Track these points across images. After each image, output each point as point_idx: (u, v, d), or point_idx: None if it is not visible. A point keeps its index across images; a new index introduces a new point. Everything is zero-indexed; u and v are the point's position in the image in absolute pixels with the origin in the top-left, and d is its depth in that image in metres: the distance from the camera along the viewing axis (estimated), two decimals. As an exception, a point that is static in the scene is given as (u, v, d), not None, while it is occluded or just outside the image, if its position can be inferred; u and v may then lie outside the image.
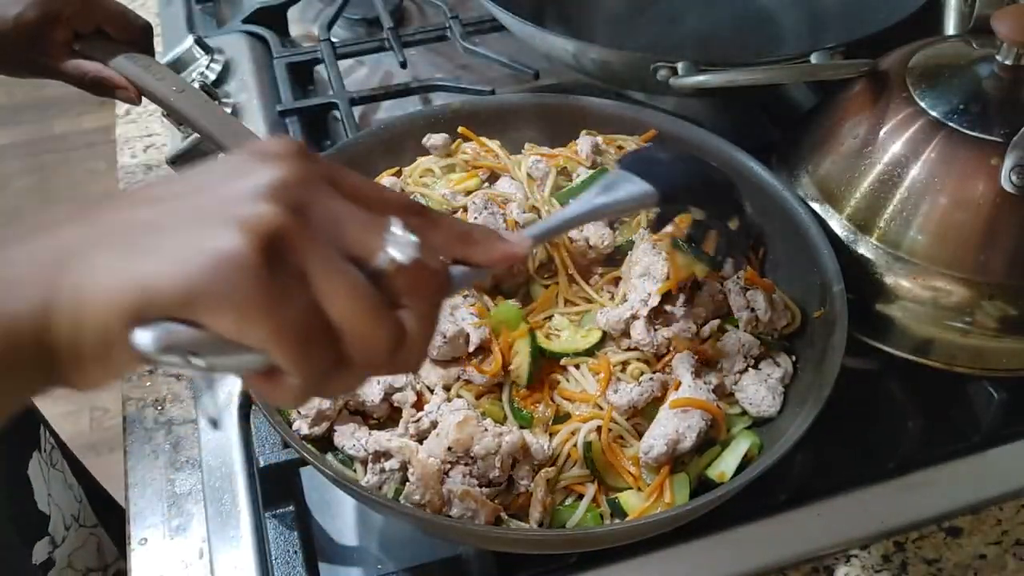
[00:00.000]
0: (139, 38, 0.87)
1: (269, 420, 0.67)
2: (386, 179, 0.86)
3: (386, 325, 0.42)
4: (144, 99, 0.86)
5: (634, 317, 0.75)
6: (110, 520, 1.05)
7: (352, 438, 0.70)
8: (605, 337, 0.76)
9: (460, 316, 0.74)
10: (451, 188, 0.85)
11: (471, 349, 0.73)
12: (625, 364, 0.75)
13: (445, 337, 0.71)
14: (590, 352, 0.75)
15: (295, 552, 0.72)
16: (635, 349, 0.75)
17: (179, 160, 0.92)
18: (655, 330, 0.75)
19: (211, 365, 0.40)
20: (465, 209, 0.82)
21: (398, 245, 0.42)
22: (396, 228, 0.43)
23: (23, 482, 0.92)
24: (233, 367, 0.41)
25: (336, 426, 0.71)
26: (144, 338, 0.38)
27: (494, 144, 0.89)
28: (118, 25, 0.85)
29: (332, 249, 0.41)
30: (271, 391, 0.43)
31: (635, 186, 0.64)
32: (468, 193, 0.85)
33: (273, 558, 0.72)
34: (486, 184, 0.87)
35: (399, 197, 0.48)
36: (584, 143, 0.88)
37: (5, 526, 0.88)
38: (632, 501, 0.69)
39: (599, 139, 0.89)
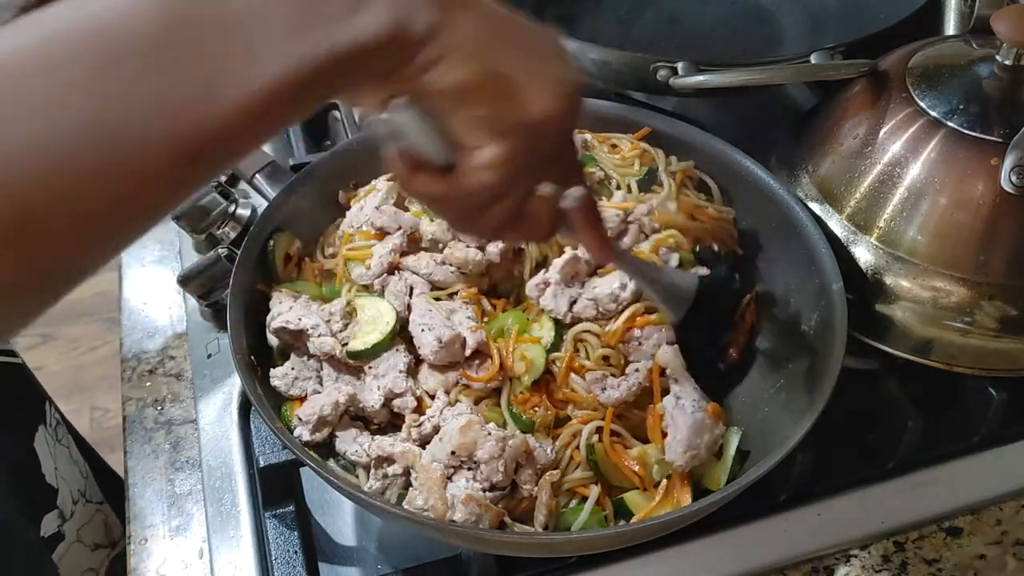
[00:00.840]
0: None
1: (272, 429, 0.67)
2: (382, 184, 0.85)
3: (511, 221, 0.55)
4: None
5: (545, 284, 0.76)
6: (115, 497, 1.05)
7: (354, 443, 0.70)
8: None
9: (457, 320, 0.74)
10: None
11: (468, 353, 0.73)
12: (580, 341, 0.75)
13: (441, 341, 0.71)
14: (555, 346, 0.75)
15: (295, 552, 0.72)
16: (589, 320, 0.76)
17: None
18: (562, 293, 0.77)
19: (420, 123, 0.51)
20: None
21: (570, 197, 0.56)
22: (578, 190, 0.57)
23: (30, 455, 0.92)
24: (427, 140, 0.51)
25: (337, 432, 0.71)
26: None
27: None
28: None
29: (552, 166, 0.55)
30: (410, 175, 0.54)
31: (685, 278, 0.75)
32: None
33: (273, 558, 0.72)
34: None
35: (583, 171, 0.64)
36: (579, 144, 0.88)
37: (7, 501, 0.88)
38: (637, 501, 0.69)
39: (588, 136, 0.89)
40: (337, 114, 1.07)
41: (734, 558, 0.73)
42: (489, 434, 0.67)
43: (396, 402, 0.72)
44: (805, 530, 0.75)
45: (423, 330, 0.72)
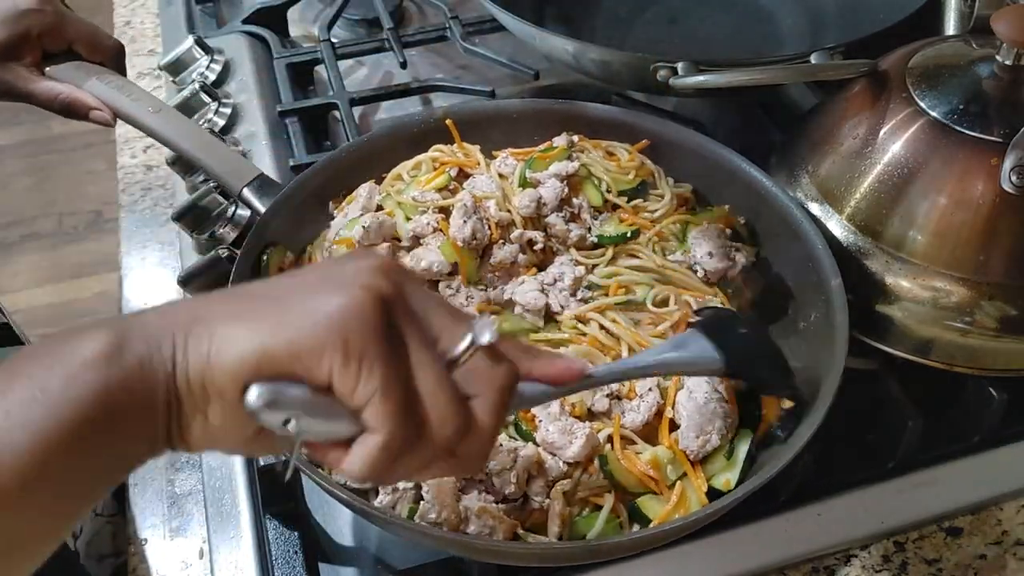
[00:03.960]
0: (111, 58, 0.85)
1: (303, 469, 0.65)
2: (364, 187, 0.85)
3: (462, 408, 0.47)
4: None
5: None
6: (129, 512, 1.04)
7: None
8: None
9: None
10: (421, 188, 0.84)
11: None
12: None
13: None
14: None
15: (295, 552, 0.72)
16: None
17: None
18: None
19: (306, 428, 0.44)
20: (443, 210, 0.81)
21: (483, 328, 0.47)
22: (481, 321, 0.47)
23: None
24: (323, 433, 0.45)
25: None
26: (253, 393, 0.43)
27: (473, 148, 0.89)
28: (89, 45, 0.83)
29: (424, 329, 0.47)
30: (343, 460, 0.46)
31: (705, 351, 0.65)
32: (440, 190, 0.84)
33: (273, 558, 0.72)
34: (455, 183, 0.86)
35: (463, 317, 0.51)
36: (560, 140, 0.88)
37: None
38: (651, 505, 0.68)
39: (575, 138, 0.89)
40: (337, 114, 1.07)
41: (734, 558, 0.73)
42: (500, 445, 0.67)
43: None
44: (805, 530, 0.75)
45: None
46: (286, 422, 0.44)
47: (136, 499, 0.78)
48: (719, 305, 0.79)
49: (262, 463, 0.74)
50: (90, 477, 0.43)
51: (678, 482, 0.69)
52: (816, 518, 0.75)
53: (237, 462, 0.79)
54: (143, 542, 0.76)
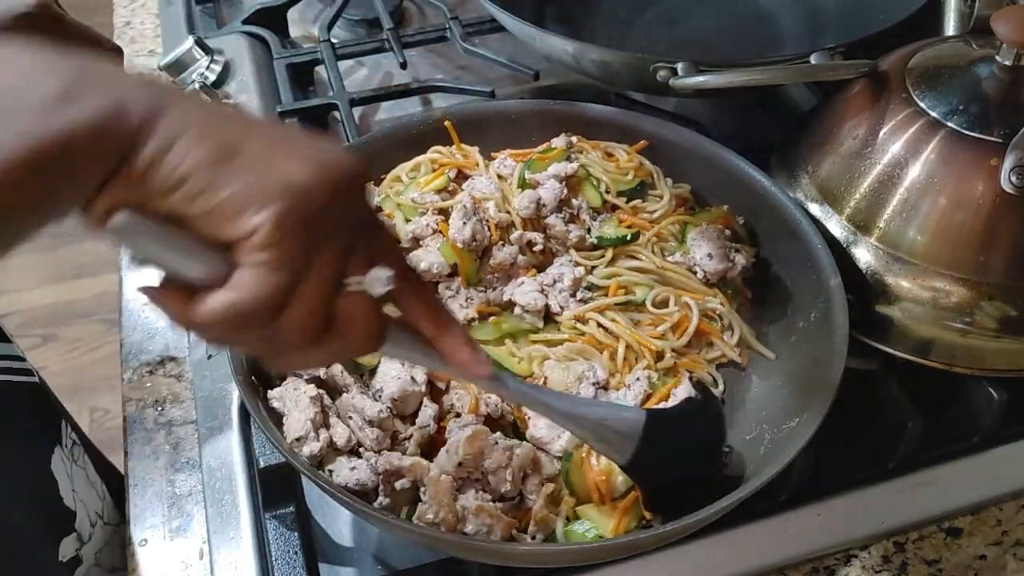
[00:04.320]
0: None
1: (281, 452, 0.66)
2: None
3: (316, 333, 0.47)
4: None
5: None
6: None
7: (352, 471, 0.68)
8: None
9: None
10: (420, 190, 0.84)
11: None
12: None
13: (394, 399, 0.70)
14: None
15: (295, 553, 0.72)
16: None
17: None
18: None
19: (164, 256, 0.44)
20: (442, 212, 0.81)
21: (376, 281, 0.47)
22: (383, 271, 0.47)
23: (48, 477, 0.91)
24: (182, 267, 0.44)
25: (330, 467, 0.69)
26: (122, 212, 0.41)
27: (472, 150, 0.89)
28: (87, 48, 0.83)
29: (346, 240, 0.46)
30: (189, 303, 0.45)
31: (623, 437, 0.63)
32: (439, 192, 0.84)
33: (273, 559, 0.72)
34: (454, 185, 0.86)
35: (401, 251, 0.52)
36: (559, 141, 0.88)
37: (32, 523, 0.88)
38: (592, 515, 0.68)
39: (574, 138, 0.89)
40: (337, 115, 1.07)
41: (734, 558, 0.73)
42: (496, 443, 0.67)
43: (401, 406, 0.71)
44: (805, 530, 0.75)
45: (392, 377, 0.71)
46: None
47: (136, 500, 0.78)
48: (704, 399, 0.72)
49: (263, 464, 0.74)
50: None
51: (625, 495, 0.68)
52: (816, 518, 0.75)
53: (237, 463, 0.79)
54: (143, 543, 0.76)
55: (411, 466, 0.67)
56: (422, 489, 0.67)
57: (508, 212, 0.82)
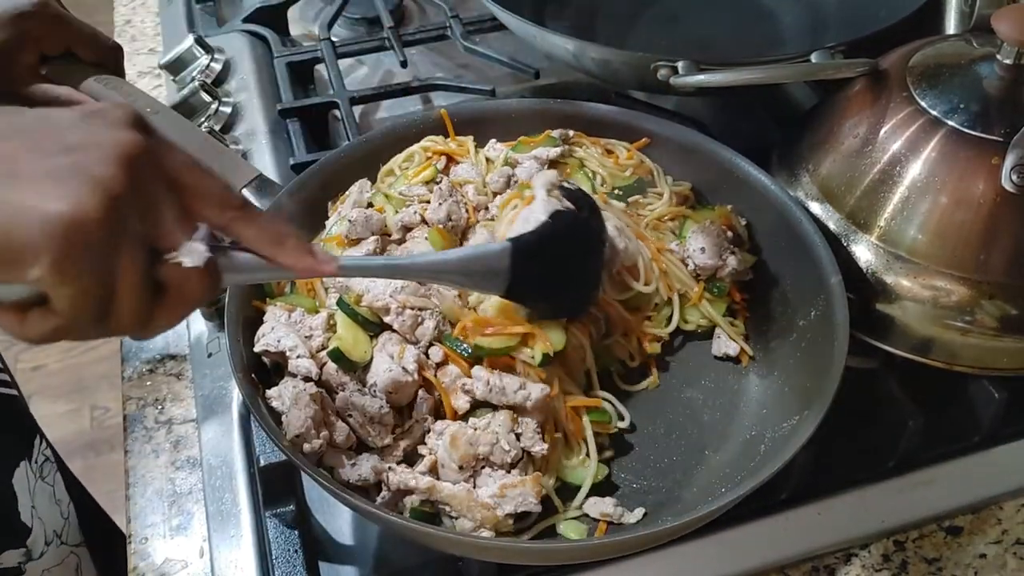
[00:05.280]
0: (110, 60, 0.85)
1: (281, 449, 0.66)
2: (356, 184, 0.85)
3: (145, 313, 0.48)
4: None
5: None
6: (96, 542, 1.02)
7: (354, 469, 0.69)
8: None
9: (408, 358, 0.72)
10: (408, 182, 0.85)
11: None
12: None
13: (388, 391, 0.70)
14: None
15: (295, 551, 0.72)
16: None
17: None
18: None
19: None
20: (428, 203, 0.81)
21: (191, 253, 0.48)
22: (198, 235, 0.48)
23: (6, 489, 0.89)
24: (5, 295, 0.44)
25: (332, 464, 0.69)
26: None
27: (467, 139, 0.89)
28: (88, 47, 0.82)
29: (144, 228, 0.46)
30: (23, 324, 0.46)
31: (490, 248, 0.67)
32: (427, 183, 0.84)
33: (273, 557, 0.72)
34: (441, 174, 0.86)
35: (219, 190, 0.51)
36: (557, 133, 0.89)
37: None
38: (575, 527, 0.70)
39: (571, 132, 0.90)
40: (337, 113, 1.07)
41: (734, 558, 0.73)
42: (475, 430, 0.68)
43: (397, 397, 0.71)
44: (805, 529, 0.75)
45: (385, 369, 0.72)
46: None
47: (136, 498, 0.78)
48: (572, 208, 0.75)
49: (263, 463, 0.74)
50: None
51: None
52: (816, 517, 0.75)
53: (237, 461, 0.79)
54: (143, 541, 0.76)
55: (426, 488, 0.67)
56: (446, 508, 0.68)
57: (486, 195, 0.83)
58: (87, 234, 0.42)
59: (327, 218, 0.85)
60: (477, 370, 0.71)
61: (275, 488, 0.75)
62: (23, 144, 0.44)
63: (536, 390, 0.69)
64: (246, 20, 1.22)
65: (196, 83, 1.08)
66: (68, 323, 0.45)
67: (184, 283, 0.49)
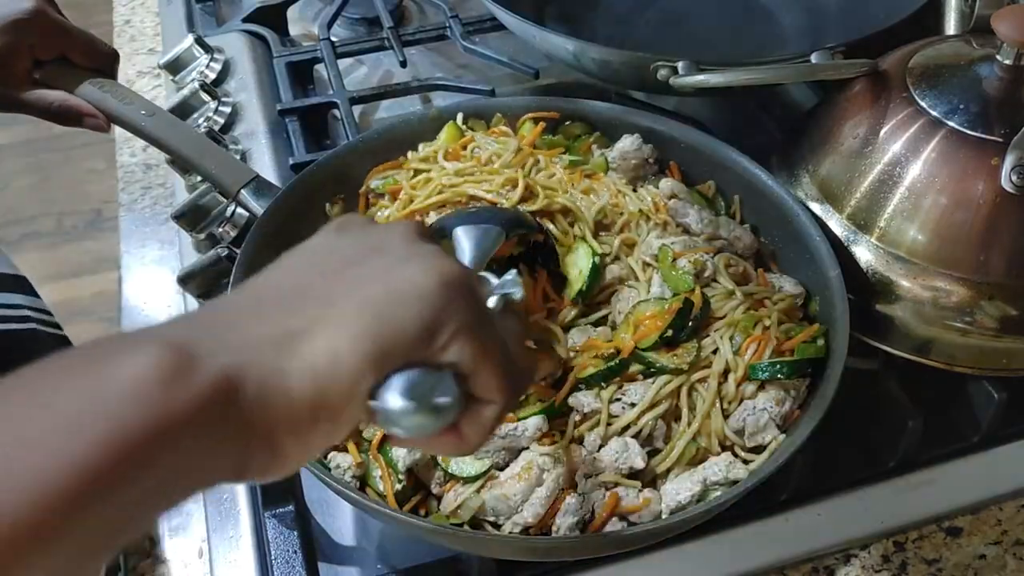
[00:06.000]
0: (107, 65, 0.85)
1: (315, 474, 0.65)
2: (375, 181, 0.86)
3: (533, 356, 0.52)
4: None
5: None
6: None
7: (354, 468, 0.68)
8: None
9: None
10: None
11: None
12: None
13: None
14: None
15: (295, 552, 0.72)
16: None
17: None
18: None
19: (438, 405, 0.44)
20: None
21: (512, 285, 0.49)
22: (493, 277, 0.50)
23: None
24: (448, 410, 0.44)
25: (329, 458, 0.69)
26: (396, 398, 0.42)
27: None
28: (84, 54, 0.82)
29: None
30: (479, 425, 0.46)
31: (482, 230, 0.66)
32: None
33: (273, 558, 0.72)
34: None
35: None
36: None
37: None
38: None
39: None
40: (337, 113, 1.07)
41: (734, 558, 0.73)
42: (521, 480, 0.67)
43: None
44: (805, 530, 0.75)
45: None
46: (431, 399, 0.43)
47: (135, 498, 0.78)
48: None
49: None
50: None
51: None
52: (816, 518, 0.75)
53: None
54: (142, 541, 0.76)
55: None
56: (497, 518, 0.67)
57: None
58: (458, 291, 0.43)
59: (327, 218, 0.85)
60: None
61: (274, 488, 0.75)
62: (328, 270, 0.44)
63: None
64: (246, 20, 1.22)
65: (195, 83, 1.07)
66: (503, 403, 0.46)
67: (510, 323, 0.49)
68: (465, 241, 0.64)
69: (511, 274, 0.50)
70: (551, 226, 0.79)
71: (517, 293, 0.49)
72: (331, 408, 0.40)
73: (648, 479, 0.68)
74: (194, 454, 0.37)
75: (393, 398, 0.42)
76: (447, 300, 0.43)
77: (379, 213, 0.83)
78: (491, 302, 0.48)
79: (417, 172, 0.86)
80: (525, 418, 0.68)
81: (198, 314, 0.43)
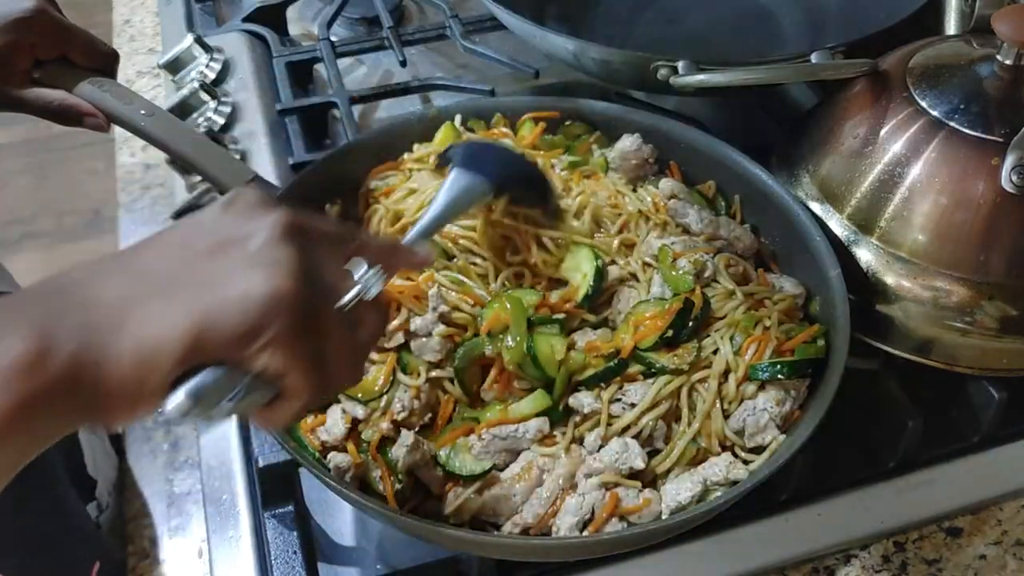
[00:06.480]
0: (106, 66, 0.85)
1: (306, 464, 0.67)
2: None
3: (361, 360, 0.55)
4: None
5: None
6: None
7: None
8: None
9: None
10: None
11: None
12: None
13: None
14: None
15: (294, 552, 0.72)
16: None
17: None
18: None
19: (235, 409, 0.47)
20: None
21: (372, 281, 0.52)
22: (360, 268, 0.52)
23: (75, 444, 0.91)
24: (253, 404, 0.48)
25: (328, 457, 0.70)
26: (180, 400, 0.45)
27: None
28: (84, 53, 0.82)
29: (329, 290, 0.50)
30: (273, 416, 0.50)
31: (471, 181, 0.71)
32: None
33: (272, 558, 0.72)
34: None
35: (350, 234, 0.55)
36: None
37: (68, 488, 0.88)
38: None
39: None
40: (336, 113, 1.07)
41: (734, 558, 0.73)
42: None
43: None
44: (805, 530, 0.75)
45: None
46: (221, 401, 0.46)
47: (135, 499, 0.78)
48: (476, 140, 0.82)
49: (262, 463, 0.74)
50: None
51: None
52: (816, 518, 0.75)
53: (236, 462, 0.79)
54: (142, 542, 0.76)
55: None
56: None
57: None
58: (292, 305, 0.46)
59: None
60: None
61: (274, 489, 0.75)
62: (188, 255, 0.48)
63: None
64: (245, 20, 1.22)
65: (195, 83, 1.07)
66: (306, 399, 0.49)
67: (367, 317, 0.53)
68: (447, 190, 0.69)
69: (374, 270, 0.52)
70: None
71: (373, 291, 0.51)
72: (150, 388, 0.45)
73: (648, 479, 0.68)
74: (44, 426, 0.44)
75: (175, 396, 0.45)
76: (270, 315, 0.46)
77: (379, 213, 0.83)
78: (345, 298, 0.50)
79: (411, 172, 0.86)
80: (526, 419, 0.68)
81: (64, 285, 0.48)
